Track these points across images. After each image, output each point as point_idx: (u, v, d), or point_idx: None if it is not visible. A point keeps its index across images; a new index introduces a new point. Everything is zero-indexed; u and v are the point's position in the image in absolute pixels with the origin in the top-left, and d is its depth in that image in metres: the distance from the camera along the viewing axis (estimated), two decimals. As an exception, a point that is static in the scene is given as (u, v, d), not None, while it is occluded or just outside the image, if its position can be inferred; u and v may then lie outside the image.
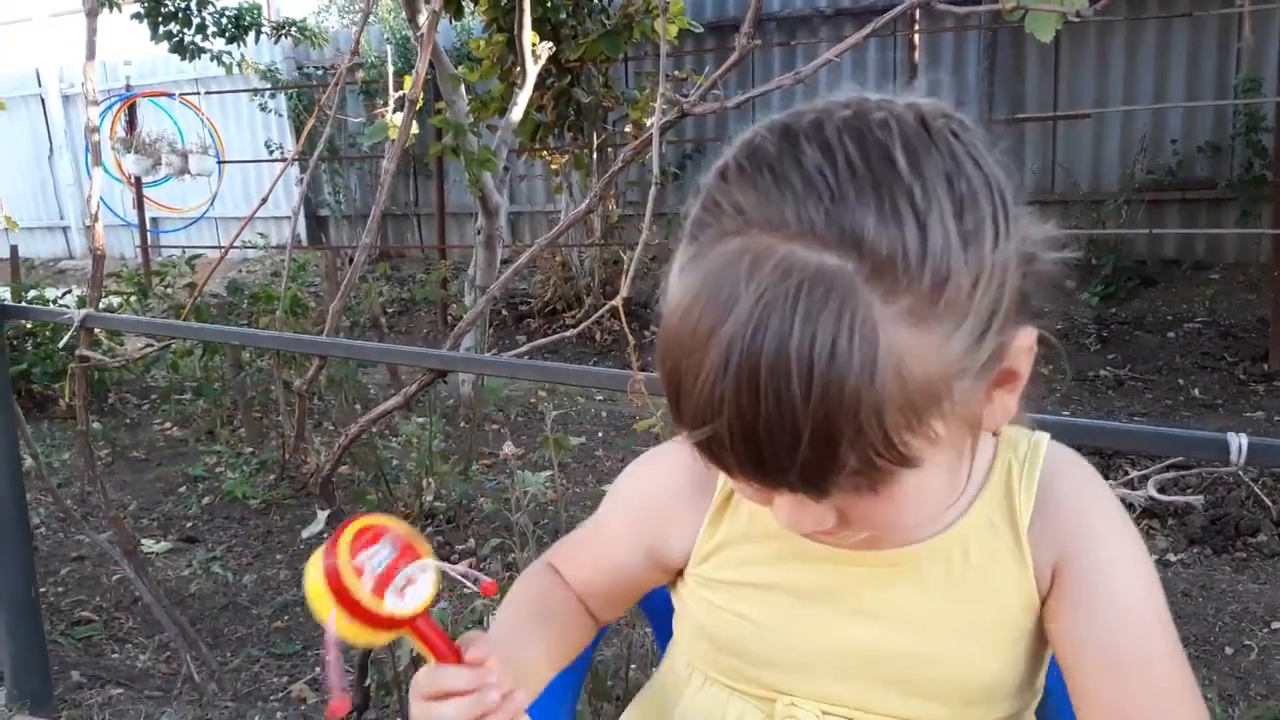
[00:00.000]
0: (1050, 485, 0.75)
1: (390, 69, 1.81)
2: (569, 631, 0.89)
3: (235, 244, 8.00)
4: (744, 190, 0.59)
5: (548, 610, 0.88)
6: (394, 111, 1.81)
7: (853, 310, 0.54)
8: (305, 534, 1.90)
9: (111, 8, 5.35)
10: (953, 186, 0.58)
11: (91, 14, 2.20)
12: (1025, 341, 0.64)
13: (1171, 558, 3.17)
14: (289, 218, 9.05)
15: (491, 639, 0.75)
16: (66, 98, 11.03)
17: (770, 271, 0.55)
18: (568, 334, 1.48)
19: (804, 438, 0.55)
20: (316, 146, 1.86)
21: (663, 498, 0.84)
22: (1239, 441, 1.08)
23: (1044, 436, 0.79)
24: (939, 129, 0.60)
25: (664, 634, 0.98)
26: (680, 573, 0.86)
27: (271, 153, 9.01)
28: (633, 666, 1.77)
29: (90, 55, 2.20)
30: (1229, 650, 2.66)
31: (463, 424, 4.51)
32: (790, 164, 0.58)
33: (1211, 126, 6.38)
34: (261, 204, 1.91)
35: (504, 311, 6.95)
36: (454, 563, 3.25)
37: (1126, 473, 3.62)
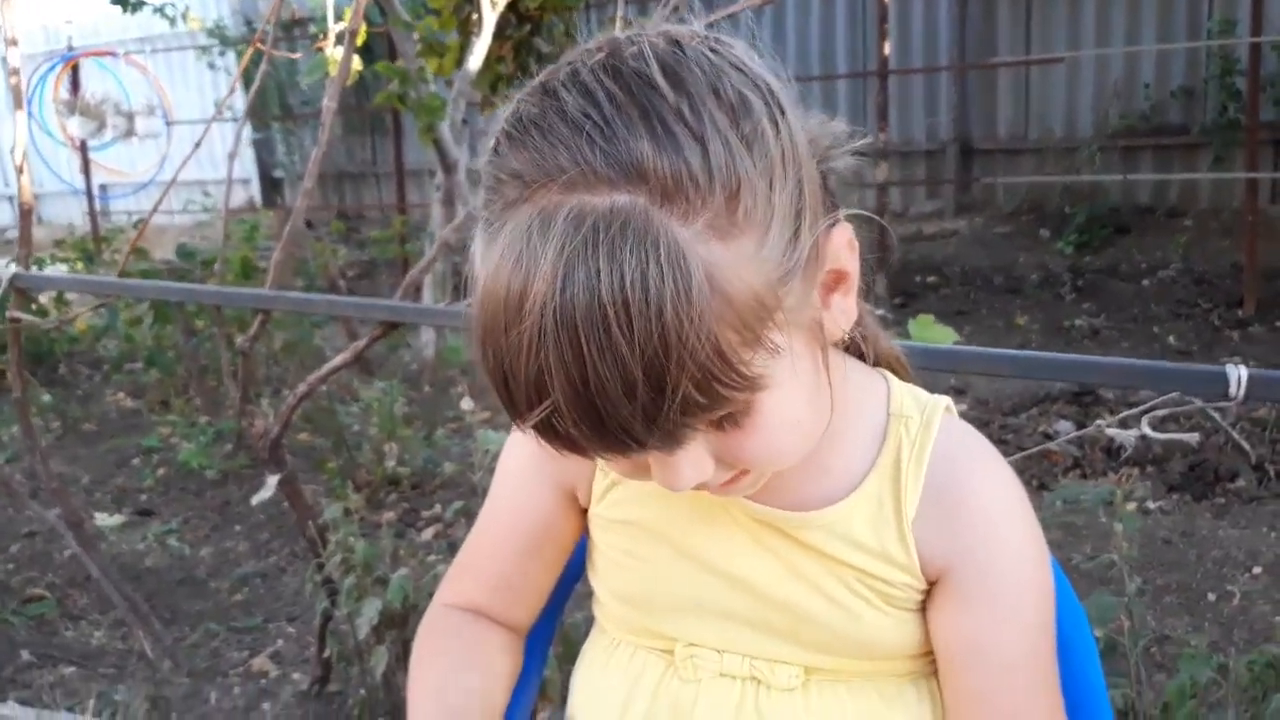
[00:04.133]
0: (941, 474, 0.72)
1: (330, 1, 1.66)
2: (497, 682, 0.83)
3: (182, 209, 7.72)
4: (517, 155, 0.58)
5: (461, 695, 0.80)
6: (334, 46, 1.67)
7: (654, 238, 0.54)
8: (255, 500, 1.80)
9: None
10: (720, 96, 0.57)
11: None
12: (843, 237, 0.64)
13: (1151, 505, 3.13)
14: (240, 180, 8.80)
15: None
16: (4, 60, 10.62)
17: (563, 224, 0.54)
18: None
19: (638, 383, 0.53)
20: (253, 87, 1.72)
21: None
22: (1239, 374, 1.01)
23: (937, 410, 0.74)
24: (694, 47, 0.60)
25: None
26: (587, 513, 0.83)
27: (221, 113, 8.73)
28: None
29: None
30: (1211, 596, 2.63)
31: (426, 388, 4.39)
32: (554, 116, 0.57)
33: (1185, 70, 6.33)
34: (194, 150, 1.77)
35: (465, 271, 6.80)
36: (419, 530, 3.16)
37: (1102, 417, 3.57)
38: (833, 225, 0.64)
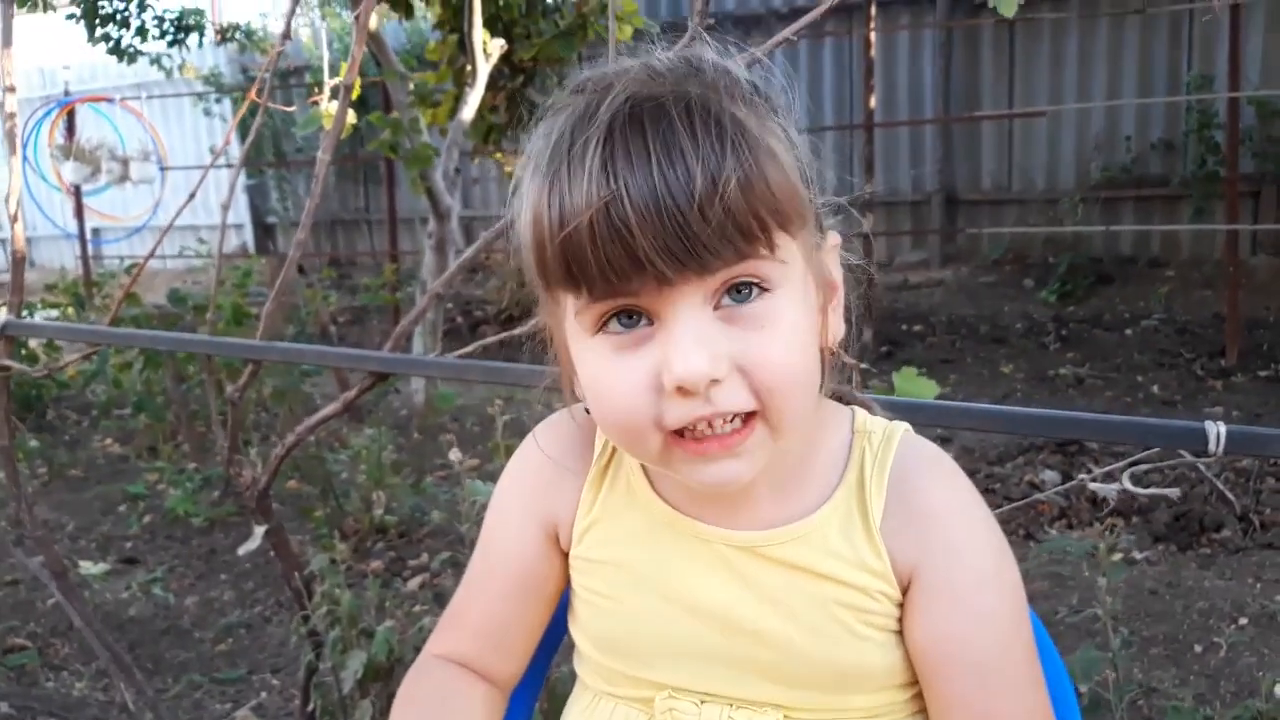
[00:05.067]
0: (904, 481, 0.76)
1: (325, 55, 1.70)
2: None
3: (176, 254, 7.73)
4: (587, 80, 0.70)
5: None
6: (329, 100, 1.70)
7: (713, 99, 0.66)
8: (241, 551, 1.79)
9: (45, 8, 5.15)
10: (754, 83, 0.71)
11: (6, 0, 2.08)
12: (833, 240, 0.75)
13: (1137, 555, 3.13)
14: (233, 226, 8.84)
15: None
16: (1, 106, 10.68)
17: (627, 88, 0.66)
18: (515, 332, 1.38)
19: (696, 170, 0.62)
20: (248, 137, 1.75)
21: (545, 467, 0.84)
22: (1217, 429, 1.03)
23: (899, 428, 0.79)
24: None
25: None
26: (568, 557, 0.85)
27: (216, 161, 8.78)
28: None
29: (6, 42, 2.07)
30: (1198, 648, 2.62)
31: (416, 435, 4.39)
32: (624, 62, 0.70)
33: (1164, 123, 6.45)
34: (189, 201, 1.79)
35: (459, 319, 6.82)
36: (405, 579, 3.13)
37: (1089, 469, 3.59)
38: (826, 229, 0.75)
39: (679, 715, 0.77)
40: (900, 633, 0.76)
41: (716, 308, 0.66)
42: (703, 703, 0.77)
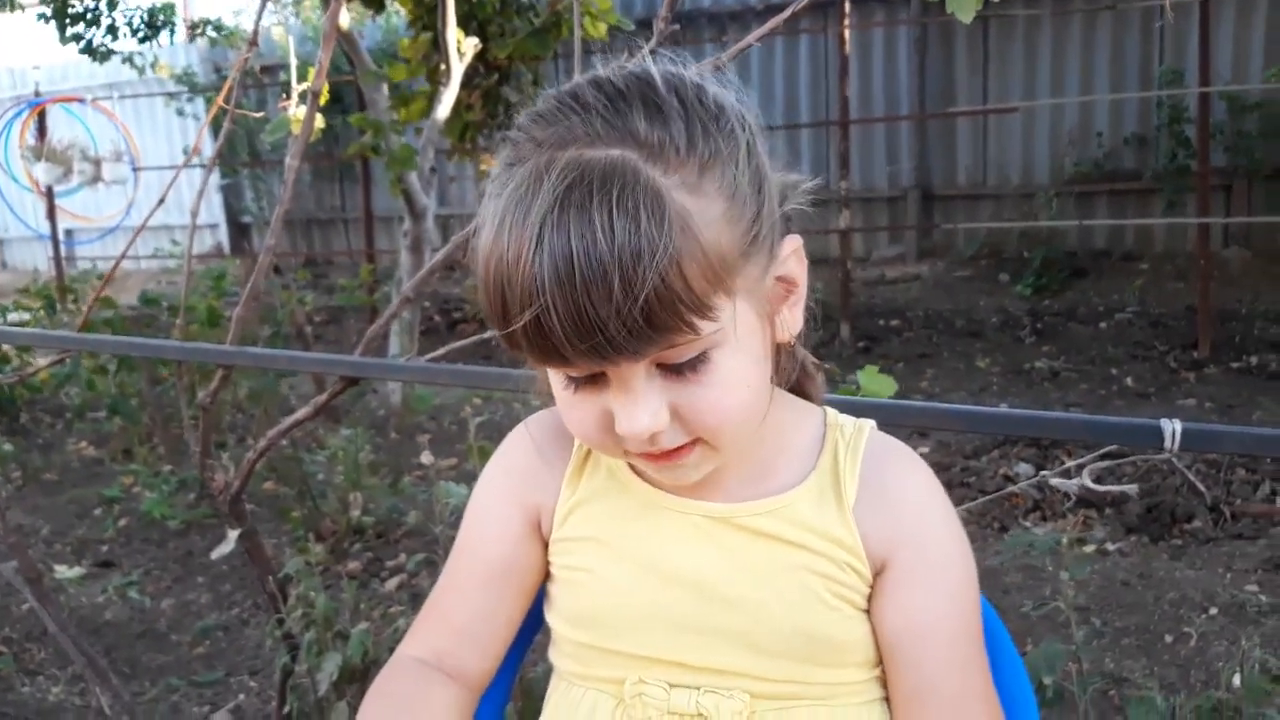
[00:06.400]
0: (876, 469, 0.81)
1: (293, 61, 1.69)
2: None
3: (150, 254, 7.68)
4: (538, 126, 0.71)
5: None
6: (298, 105, 1.70)
7: (637, 179, 0.66)
8: (214, 555, 1.79)
9: (13, 8, 5.09)
10: (703, 101, 0.71)
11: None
12: (792, 244, 0.76)
13: (1109, 547, 3.17)
14: (207, 226, 8.79)
15: None
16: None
17: (566, 167, 0.67)
18: (488, 335, 1.38)
19: (615, 283, 0.64)
20: (219, 138, 1.74)
21: (531, 456, 0.88)
22: (1173, 427, 1.06)
23: (867, 422, 0.85)
24: (687, 71, 0.75)
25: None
26: (548, 550, 0.87)
27: (189, 162, 8.72)
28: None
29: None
30: (1169, 638, 2.65)
31: (393, 435, 4.38)
32: (571, 100, 0.71)
33: (1137, 118, 6.51)
34: (159, 204, 1.78)
35: (436, 317, 6.81)
36: (383, 580, 3.13)
37: (1063, 462, 3.62)
38: (785, 234, 0.76)
39: (648, 700, 0.79)
40: (867, 612, 0.79)
41: (657, 363, 0.71)
42: (671, 687, 0.79)
